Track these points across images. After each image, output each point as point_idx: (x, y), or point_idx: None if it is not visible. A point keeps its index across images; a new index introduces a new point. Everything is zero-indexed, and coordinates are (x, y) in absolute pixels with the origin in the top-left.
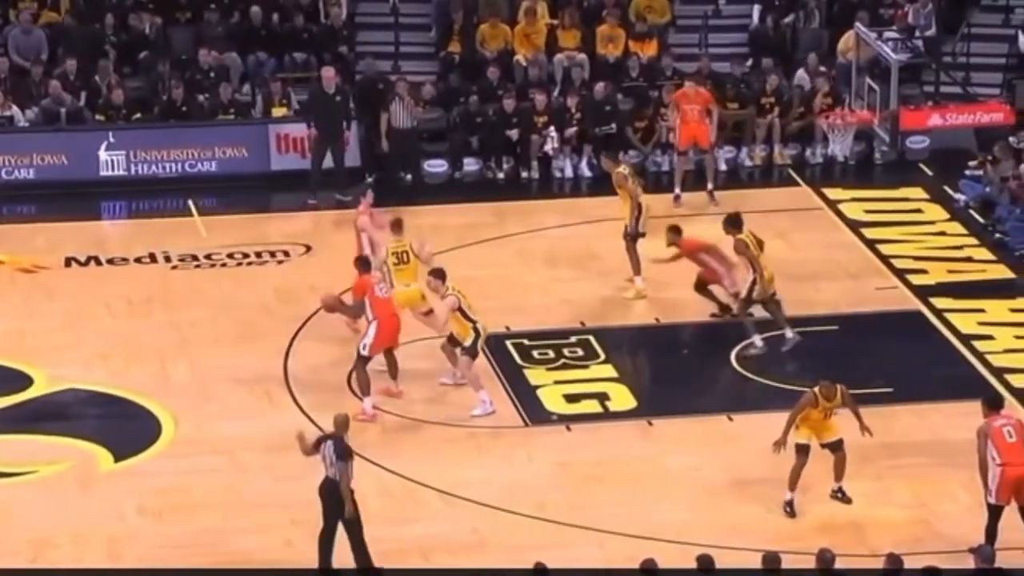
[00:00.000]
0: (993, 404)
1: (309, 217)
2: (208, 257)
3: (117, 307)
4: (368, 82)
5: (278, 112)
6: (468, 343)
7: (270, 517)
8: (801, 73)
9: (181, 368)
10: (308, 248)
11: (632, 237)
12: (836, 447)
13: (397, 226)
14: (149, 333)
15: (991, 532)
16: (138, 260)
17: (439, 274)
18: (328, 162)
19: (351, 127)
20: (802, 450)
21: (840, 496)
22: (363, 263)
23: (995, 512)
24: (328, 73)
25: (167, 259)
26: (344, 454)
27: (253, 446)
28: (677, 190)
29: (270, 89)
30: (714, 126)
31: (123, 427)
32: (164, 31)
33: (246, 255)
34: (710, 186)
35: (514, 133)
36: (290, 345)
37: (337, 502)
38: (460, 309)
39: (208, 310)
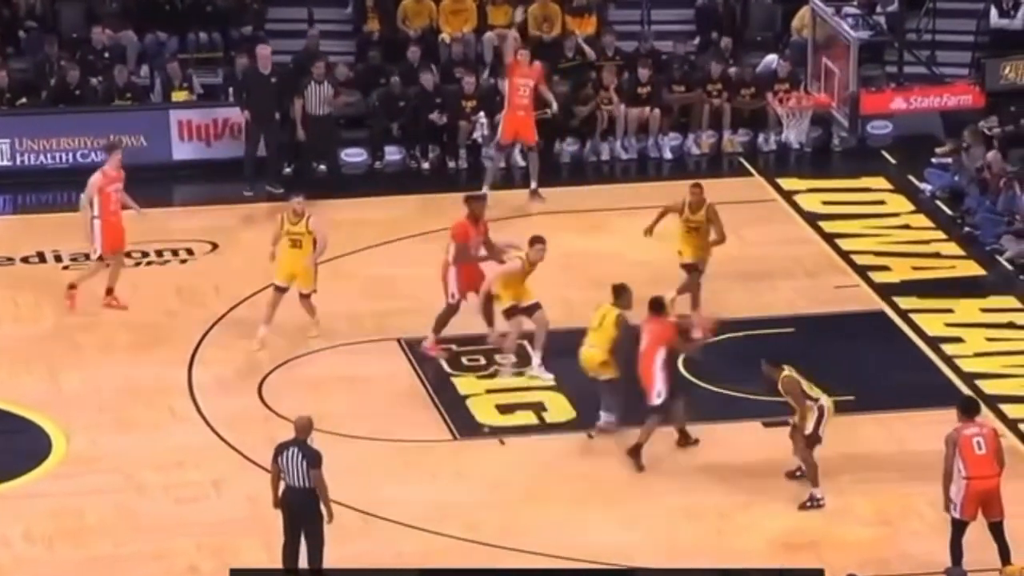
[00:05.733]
0: (967, 410)
1: (214, 212)
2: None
3: (2, 311)
4: (303, 59)
5: (179, 96)
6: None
7: (171, 542)
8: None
9: (73, 378)
10: (214, 246)
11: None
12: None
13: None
14: (37, 340)
15: (955, 549)
16: (25, 260)
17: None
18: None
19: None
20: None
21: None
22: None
23: (959, 527)
24: (264, 51)
25: (57, 259)
26: (316, 461)
27: (153, 464)
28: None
29: (169, 71)
30: (551, 103)
31: (8, 444)
32: (52, 6)
33: (145, 254)
34: (533, 184)
35: (440, 118)
36: (195, 352)
37: (307, 511)
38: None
39: (103, 314)
